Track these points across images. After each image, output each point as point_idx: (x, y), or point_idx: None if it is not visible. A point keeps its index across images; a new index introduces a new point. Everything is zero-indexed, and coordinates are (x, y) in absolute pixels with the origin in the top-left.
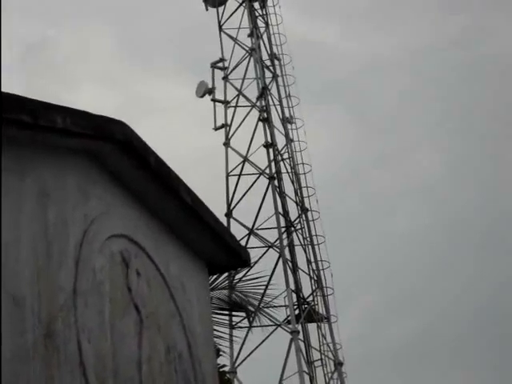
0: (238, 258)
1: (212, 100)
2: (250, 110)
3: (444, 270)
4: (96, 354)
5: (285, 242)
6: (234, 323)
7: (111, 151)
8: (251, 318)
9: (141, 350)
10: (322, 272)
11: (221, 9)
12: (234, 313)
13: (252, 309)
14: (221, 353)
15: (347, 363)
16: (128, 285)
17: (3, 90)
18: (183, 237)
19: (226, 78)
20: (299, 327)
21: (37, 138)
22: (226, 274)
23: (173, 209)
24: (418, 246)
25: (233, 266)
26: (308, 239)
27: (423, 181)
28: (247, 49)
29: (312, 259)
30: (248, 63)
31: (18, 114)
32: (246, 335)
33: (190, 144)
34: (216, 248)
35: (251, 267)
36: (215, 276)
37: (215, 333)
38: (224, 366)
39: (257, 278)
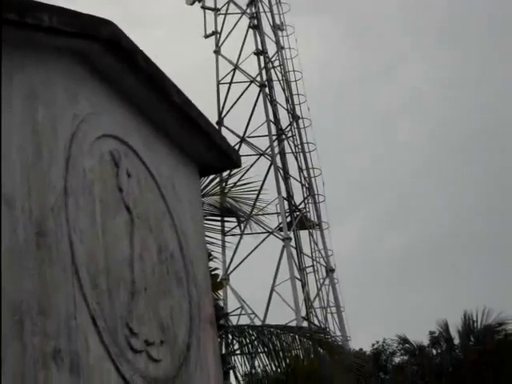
0: (228, 159)
1: (202, 7)
2: (241, 17)
3: (439, 181)
4: (88, 254)
5: (276, 150)
6: (226, 230)
7: (99, 51)
8: (243, 225)
9: (132, 249)
10: (313, 179)
11: None
12: (225, 219)
13: (244, 216)
14: (212, 258)
15: (341, 271)
16: (118, 185)
17: None
18: (174, 138)
19: None
20: (291, 234)
21: (24, 37)
22: (217, 180)
23: (163, 109)
24: (415, 158)
25: (223, 167)
26: (299, 147)
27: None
28: None
29: (303, 167)
30: None
31: (4, 13)
32: (239, 242)
33: (180, 54)
34: (207, 149)
35: (243, 175)
36: (206, 182)
37: (207, 239)
38: (216, 269)
39: (248, 184)
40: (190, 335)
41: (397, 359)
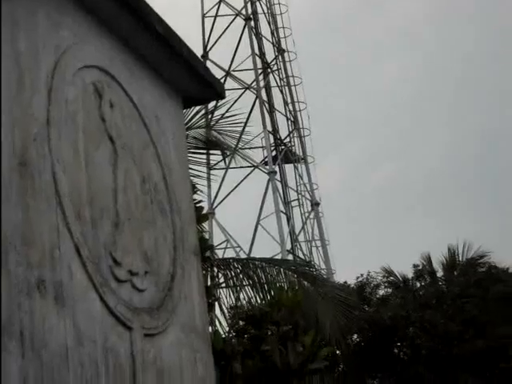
0: (212, 89)
1: None
2: None
3: (427, 117)
4: (71, 184)
5: (261, 84)
6: (211, 164)
7: None
8: (228, 159)
9: (116, 180)
10: (298, 113)
11: None
12: (211, 152)
13: (229, 149)
14: (197, 190)
15: (326, 205)
16: (102, 116)
17: None
18: (157, 68)
19: None
20: (276, 168)
21: None
22: (202, 113)
23: (145, 39)
24: (404, 92)
25: (207, 98)
26: (285, 80)
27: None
28: None
29: (289, 100)
30: None
31: None
32: (224, 176)
33: None
34: (190, 79)
35: (229, 108)
36: (191, 115)
37: (192, 172)
38: (201, 201)
39: (234, 116)
40: (174, 265)
41: (381, 292)
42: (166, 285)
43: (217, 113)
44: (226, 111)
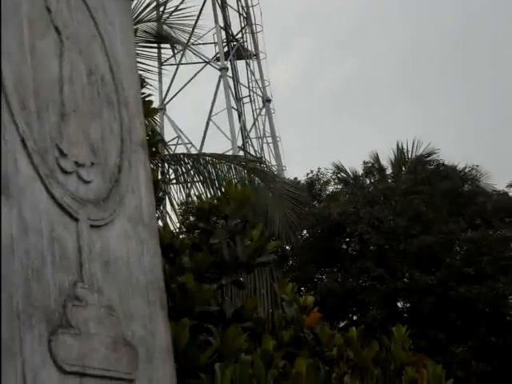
0: None
1: None
2: None
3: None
4: (16, 75)
5: None
6: (162, 59)
7: None
8: (180, 55)
9: (62, 71)
10: (251, 9)
11: None
12: (162, 46)
13: (180, 43)
14: (146, 84)
15: (279, 102)
16: (47, 5)
17: None
18: None
19: None
20: (228, 64)
21: None
22: (153, 5)
23: None
24: None
25: None
26: None
27: None
28: None
29: None
30: None
31: None
32: (175, 72)
33: None
34: None
35: (181, 2)
36: (142, 7)
37: (142, 66)
38: (150, 95)
39: (185, 8)
40: (121, 157)
41: (331, 188)
42: (112, 176)
43: (169, 5)
44: (179, 4)
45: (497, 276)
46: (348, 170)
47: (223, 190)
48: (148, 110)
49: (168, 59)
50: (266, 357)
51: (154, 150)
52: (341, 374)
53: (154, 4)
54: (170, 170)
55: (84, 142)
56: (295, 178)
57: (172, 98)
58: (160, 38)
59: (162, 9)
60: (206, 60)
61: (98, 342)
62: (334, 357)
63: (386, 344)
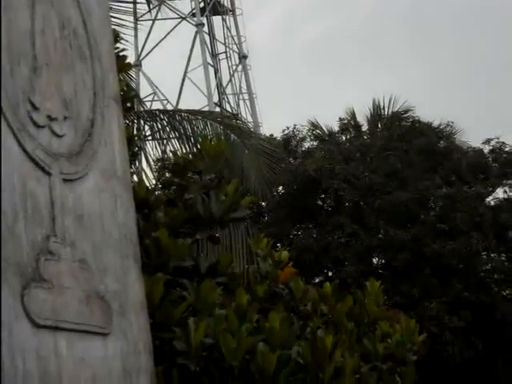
0: None
1: None
2: None
3: None
4: None
5: None
6: (138, 15)
7: None
8: (155, 11)
9: (33, 24)
10: None
11: None
12: (138, 0)
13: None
14: (121, 39)
15: (255, 59)
16: None
17: None
18: None
19: None
20: (204, 20)
21: None
22: None
23: None
24: None
25: None
26: None
27: None
28: None
29: None
30: None
31: None
32: (151, 28)
33: None
34: None
35: None
36: None
37: (117, 21)
38: (125, 49)
39: None
40: (93, 111)
41: (306, 145)
42: (85, 131)
43: None
44: None
45: (471, 232)
46: (324, 127)
47: (199, 146)
48: (122, 65)
49: (144, 14)
50: (240, 311)
51: (128, 105)
52: (315, 329)
53: None
54: (146, 127)
55: (56, 96)
56: (271, 135)
57: (148, 54)
58: None
59: None
60: (182, 16)
61: (71, 295)
62: (308, 311)
63: (359, 299)
